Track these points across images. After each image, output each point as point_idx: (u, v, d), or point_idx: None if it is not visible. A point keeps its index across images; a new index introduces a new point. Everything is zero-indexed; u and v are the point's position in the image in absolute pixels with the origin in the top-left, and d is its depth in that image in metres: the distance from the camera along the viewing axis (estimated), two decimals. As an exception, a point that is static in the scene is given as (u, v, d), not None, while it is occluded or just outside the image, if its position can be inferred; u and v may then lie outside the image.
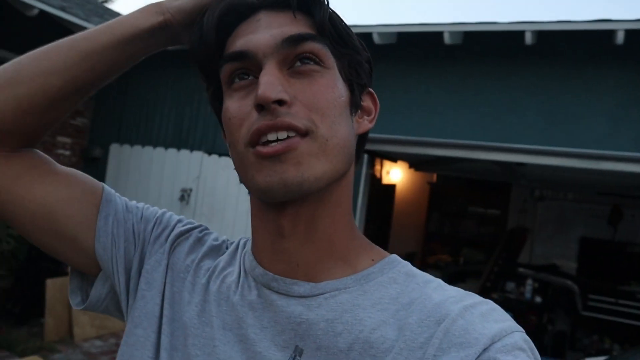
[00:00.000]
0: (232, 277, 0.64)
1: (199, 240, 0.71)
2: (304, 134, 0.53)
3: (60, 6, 5.91)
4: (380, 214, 7.34)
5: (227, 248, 0.71)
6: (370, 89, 0.65)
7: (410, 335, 0.52)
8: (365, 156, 5.69)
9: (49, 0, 5.71)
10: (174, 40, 0.68)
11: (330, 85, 0.56)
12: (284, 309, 0.57)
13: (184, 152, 6.50)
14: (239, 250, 0.69)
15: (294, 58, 0.56)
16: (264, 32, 0.56)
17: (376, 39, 5.39)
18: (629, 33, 4.25)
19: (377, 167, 6.52)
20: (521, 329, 0.51)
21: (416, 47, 5.48)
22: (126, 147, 6.89)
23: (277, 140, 0.52)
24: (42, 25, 5.79)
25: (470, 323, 0.50)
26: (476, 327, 0.50)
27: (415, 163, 7.40)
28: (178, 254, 0.69)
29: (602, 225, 7.24)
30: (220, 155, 6.27)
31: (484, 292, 6.31)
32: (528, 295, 6.20)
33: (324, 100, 0.55)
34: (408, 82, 5.60)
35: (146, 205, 0.76)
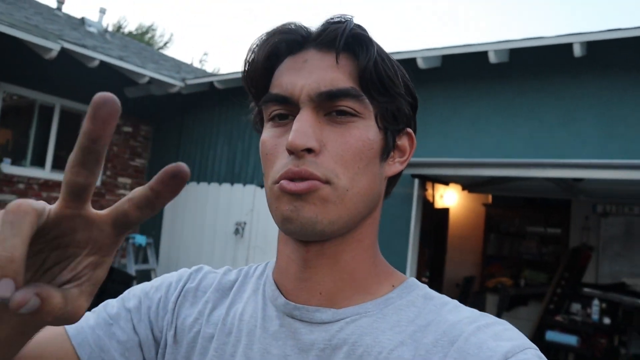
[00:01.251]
0: (251, 309, 0.66)
1: (196, 291, 0.72)
2: (325, 182, 0.56)
3: (119, 56, 6.27)
4: (435, 238, 7.23)
5: (236, 278, 0.73)
6: (409, 129, 0.66)
7: (425, 355, 0.54)
8: (416, 181, 5.66)
9: (108, 51, 6.08)
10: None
11: (361, 138, 0.58)
12: (307, 336, 0.60)
13: (237, 187, 6.67)
14: (255, 278, 0.71)
15: (330, 107, 0.58)
16: (306, 78, 0.58)
17: (420, 63, 5.43)
18: (507, 52, 4.10)
19: (429, 191, 6.45)
20: (535, 346, 0.53)
21: (462, 68, 5.47)
22: (182, 184, 7.12)
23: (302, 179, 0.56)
24: (103, 73, 6.16)
25: (483, 342, 0.52)
26: (489, 345, 0.52)
27: (468, 185, 7.28)
28: (182, 315, 0.70)
29: (674, 240, 6.83)
30: (272, 187, 6.38)
31: (547, 315, 6.05)
32: (595, 316, 5.89)
33: (351, 152, 0.57)
34: (456, 104, 5.57)
35: (131, 295, 0.73)
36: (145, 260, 6.93)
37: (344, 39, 0.58)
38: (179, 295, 0.71)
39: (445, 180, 6.86)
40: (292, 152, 0.55)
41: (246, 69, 0.63)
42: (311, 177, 0.55)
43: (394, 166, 0.65)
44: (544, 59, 4.90)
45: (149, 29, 21.88)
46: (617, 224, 7.21)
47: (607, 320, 5.85)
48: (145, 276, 6.81)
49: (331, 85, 0.58)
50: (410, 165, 5.16)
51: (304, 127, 0.56)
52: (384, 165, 0.63)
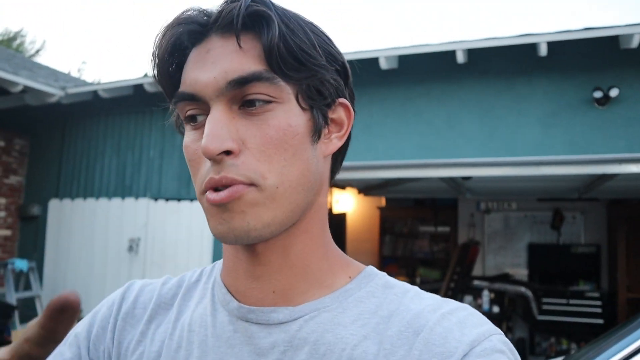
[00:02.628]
0: (200, 318, 0.61)
1: (134, 309, 0.66)
2: (249, 185, 0.51)
3: (-14, 61, 5.69)
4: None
5: (178, 286, 0.67)
6: (342, 100, 0.59)
7: (390, 348, 0.52)
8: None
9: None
10: None
11: (281, 126, 0.53)
12: (264, 340, 0.56)
13: (129, 201, 6.31)
14: (202, 284, 0.66)
15: (242, 96, 0.53)
16: (210, 70, 0.53)
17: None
18: (550, 45, 4.54)
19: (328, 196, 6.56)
20: (499, 331, 0.52)
21: (354, 73, 5.62)
22: (66, 201, 6.61)
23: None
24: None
25: (449, 331, 0.51)
26: (454, 334, 0.50)
27: (363, 188, 7.50)
28: (125, 341, 0.63)
29: (547, 230, 7.54)
30: (167, 199, 6.12)
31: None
32: (486, 306, 6.32)
33: (273, 145, 0.52)
34: (349, 110, 5.70)
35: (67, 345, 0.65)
36: (27, 286, 6.30)
37: (241, 18, 0.51)
38: (116, 322, 0.64)
39: (342, 185, 7.01)
40: (210, 158, 0.50)
41: (154, 68, 0.57)
42: (233, 183, 0.51)
43: (332, 143, 0.59)
44: (430, 65, 5.18)
45: (18, 34, 20.13)
46: (498, 219, 7.82)
47: (496, 309, 6.29)
48: (28, 304, 6.19)
49: (240, 70, 0.52)
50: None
51: (216, 128, 0.51)
52: (317, 145, 0.57)
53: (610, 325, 6.02)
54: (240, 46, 0.52)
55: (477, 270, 7.51)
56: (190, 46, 0.56)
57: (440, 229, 8.33)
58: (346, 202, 8.21)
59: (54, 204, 6.67)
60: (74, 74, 18.20)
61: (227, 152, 0.51)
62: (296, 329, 0.55)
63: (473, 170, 4.70)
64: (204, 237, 5.83)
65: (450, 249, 8.02)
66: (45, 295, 6.39)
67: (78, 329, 0.66)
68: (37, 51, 20.41)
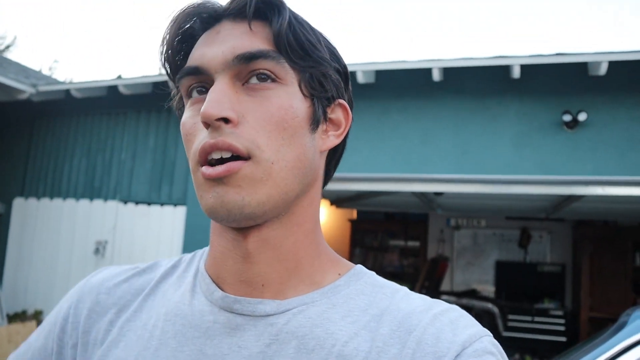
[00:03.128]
0: (176, 307, 0.59)
1: (98, 298, 0.64)
2: (246, 157, 0.51)
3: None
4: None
5: (151, 275, 0.66)
6: (341, 101, 0.61)
7: (382, 347, 0.52)
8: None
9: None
10: None
11: (283, 105, 0.54)
12: (249, 332, 0.54)
13: (98, 202, 6.18)
14: (180, 272, 0.65)
15: (248, 73, 0.54)
16: (218, 46, 0.54)
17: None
18: (524, 67, 4.66)
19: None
20: (489, 333, 0.53)
21: (332, 86, 5.66)
22: (32, 201, 6.44)
23: (222, 159, 0.52)
24: None
25: (441, 331, 0.52)
26: (447, 335, 0.51)
27: (336, 200, 7.51)
28: (92, 332, 0.62)
29: (514, 248, 7.69)
30: (137, 203, 6.02)
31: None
32: (453, 321, 6.37)
33: (273, 121, 0.53)
34: (325, 121, 5.73)
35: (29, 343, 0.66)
36: (-16, 286, 6.10)
37: (254, 5, 0.54)
38: (82, 311, 0.63)
39: (315, 196, 7.01)
40: (208, 123, 0.51)
41: (162, 54, 0.59)
42: (230, 149, 0.51)
43: (329, 140, 0.60)
44: (407, 81, 5.25)
45: (-12, 30, 19.62)
46: (467, 236, 7.92)
47: (462, 324, 6.34)
48: (-16, 305, 5.98)
49: (249, 47, 0.54)
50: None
51: (218, 95, 0.51)
52: (315, 137, 0.58)
53: (573, 343, 6.14)
54: (250, 28, 0.55)
55: (445, 286, 7.58)
56: (201, 33, 0.58)
57: (410, 243, 8.39)
58: (322, 213, 8.21)
59: (18, 203, 6.49)
60: (45, 72, 17.82)
61: (226, 121, 0.51)
62: (284, 322, 0.54)
63: (446, 186, 4.76)
64: (174, 243, 5.74)
65: (420, 263, 8.09)
66: (5, 296, 6.19)
67: (45, 322, 0.65)
68: (7, 47, 19.95)
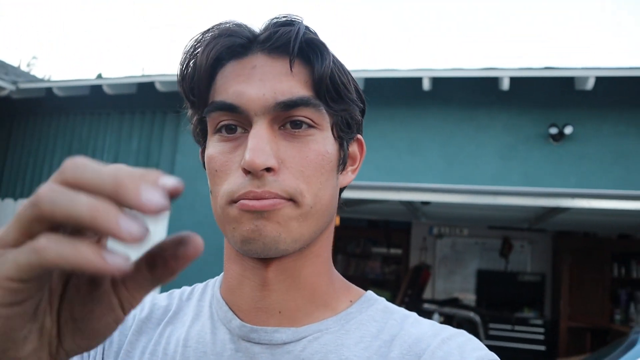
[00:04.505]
0: (197, 334, 0.60)
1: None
2: (288, 200, 0.53)
3: None
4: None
5: (169, 302, 0.66)
6: (359, 136, 0.64)
7: None
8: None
9: None
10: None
11: (320, 152, 0.55)
12: None
13: None
14: (195, 301, 0.65)
15: (286, 118, 0.54)
16: (258, 87, 0.53)
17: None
18: (512, 80, 4.71)
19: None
20: (496, 356, 0.55)
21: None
22: (8, 201, 6.28)
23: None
24: None
25: (449, 354, 0.53)
26: (454, 358, 0.53)
27: (320, 206, 7.48)
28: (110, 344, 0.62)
29: (495, 258, 7.77)
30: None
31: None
32: (435, 329, 6.39)
33: (312, 168, 0.54)
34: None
35: None
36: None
37: (298, 44, 0.54)
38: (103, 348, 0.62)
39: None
40: (252, 171, 0.51)
41: (184, 74, 0.58)
42: (275, 198, 0.52)
43: (347, 176, 0.63)
44: (396, 90, 5.26)
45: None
46: (449, 244, 7.98)
47: (444, 333, 6.37)
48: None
49: (289, 93, 0.53)
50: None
51: (262, 144, 0.52)
52: (339, 177, 0.60)
53: (552, 352, 6.22)
54: (291, 69, 0.54)
55: (427, 294, 7.61)
56: (228, 58, 0.56)
57: (393, 251, 8.42)
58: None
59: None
60: (24, 68, 17.45)
61: (268, 170, 0.52)
62: (300, 349, 0.56)
63: (433, 195, 4.78)
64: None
65: (402, 271, 8.12)
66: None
67: None
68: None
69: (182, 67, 0.58)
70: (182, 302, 0.66)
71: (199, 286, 0.68)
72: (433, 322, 0.60)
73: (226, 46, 0.55)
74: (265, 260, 0.56)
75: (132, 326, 0.63)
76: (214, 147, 0.56)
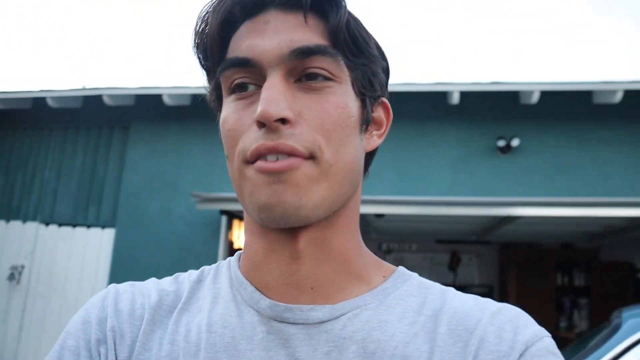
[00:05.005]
0: (221, 319, 0.55)
1: (131, 316, 0.58)
2: (307, 157, 0.49)
3: None
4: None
5: (178, 288, 0.61)
6: (384, 99, 0.60)
7: (443, 346, 0.51)
8: (224, 218, 5.54)
9: None
10: None
11: (340, 104, 0.52)
12: (305, 342, 0.52)
13: (15, 224, 5.70)
14: (209, 284, 0.60)
15: (303, 70, 0.51)
16: (271, 38, 0.51)
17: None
18: (462, 94, 4.87)
19: (233, 230, 6.37)
20: (548, 333, 0.54)
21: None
22: (-63, 221, 5.83)
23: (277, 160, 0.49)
24: None
25: (502, 330, 0.52)
26: (508, 334, 0.51)
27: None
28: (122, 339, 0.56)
29: (444, 272, 7.90)
30: (60, 225, 5.62)
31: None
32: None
33: (331, 121, 0.51)
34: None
35: None
36: None
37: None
38: (112, 325, 0.56)
39: (251, 219, 6.85)
40: (264, 123, 0.48)
41: (197, 40, 0.55)
42: (292, 152, 0.48)
43: (372, 140, 0.59)
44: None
45: None
46: (399, 259, 8.05)
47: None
48: None
49: (306, 41, 0.51)
50: (221, 200, 5.04)
51: (275, 93, 0.48)
52: (362, 137, 0.56)
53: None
54: (306, 21, 0.52)
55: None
56: (242, 20, 0.54)
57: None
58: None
59: None
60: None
61: (283, 121, 0.48)
62: (340, 327, 0.52)
63: (387, 208, 4.81)
64: (100, 268, 5.39)
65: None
66: None
67: (67, 342, 0.56)
68: None
69: (195, 33, 0.55)
70: (194, 286, 0.60)
71: (207, 269, 0.63)
72: (474, 295, 0.58)
73: (236, 5, 0.53)
74: (292, 231, 0.52)
75: (144, 315, 0.57)
76: (228, 108, 0.53)
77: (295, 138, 0.48)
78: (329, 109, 0.51)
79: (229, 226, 5.80)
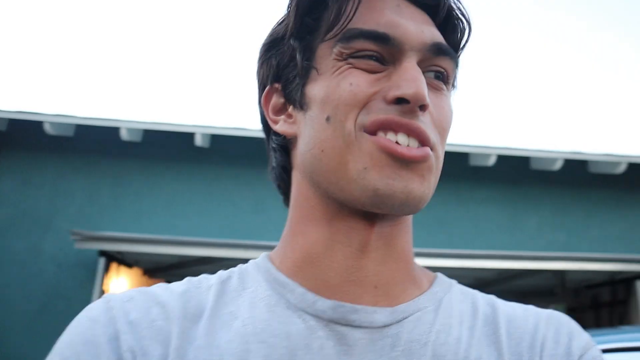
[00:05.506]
0: (270, 326, 0.48)
1: (150, 326, 0.48)
2: (432, 149, 0.49)
3: None
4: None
5: (201, 295, 0.52)
6: None
7: (507, 349, 0.51)
8: (102, 260, 5.16)
9: None
10: None
11: (452, 110, 0.54)
12: (368, 347, 0.47)
13: None
14: (235, 285, 0.53)
15: (429, 65, 0.51)
16: (412, 24, 0.50)
17: (123, 134, 5.18)
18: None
19: (110, 273, 5.93)
20: (594, 341, 0.56)
21: (164, 146, 5.45)
22: None
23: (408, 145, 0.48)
24: None
25: (559, 334, 0.52)
26: (564, 339, 0.52)
27: (152, 269, 7.01)
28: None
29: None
30: None
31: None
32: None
33: (446, 122, 0.52)
34: (152, 182, 5.46)
35: None
36: None
37: (448, 6, 0.53)
38: (132, 339, 0.46)
39: (129, 263, 6.46)
40: (409, 101, 0.46)
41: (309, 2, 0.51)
42: (425, 140, 0.48)
43: None
44: (243, 148, 5.32)
45: None
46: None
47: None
48: None
49: (442, 39, 0.52)
50: (105, 239, 4.72)
51: (422, 77, 0.47)
52: None
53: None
54: (435, 22, 0.53)
55: None
56: None
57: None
58: (123, 286, 7.52)
59: None
60: None
61: (422, 107, 0.48)
62: (406, 331, 0.49)
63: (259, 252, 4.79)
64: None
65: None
66: None
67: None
68: None
69: None
70: (219, 291, 0.52)
71: (224, 273, 0.55)
72: (516, 303, 0.58)
73: None
74: (372, 219, 0.49)
75: (168, 328, 0.47)
76: (354, 74, 0.49)
77: (427, 127, 0.48)
78: (447, 111, 0.52)
79: (106, 269, 5.39)
